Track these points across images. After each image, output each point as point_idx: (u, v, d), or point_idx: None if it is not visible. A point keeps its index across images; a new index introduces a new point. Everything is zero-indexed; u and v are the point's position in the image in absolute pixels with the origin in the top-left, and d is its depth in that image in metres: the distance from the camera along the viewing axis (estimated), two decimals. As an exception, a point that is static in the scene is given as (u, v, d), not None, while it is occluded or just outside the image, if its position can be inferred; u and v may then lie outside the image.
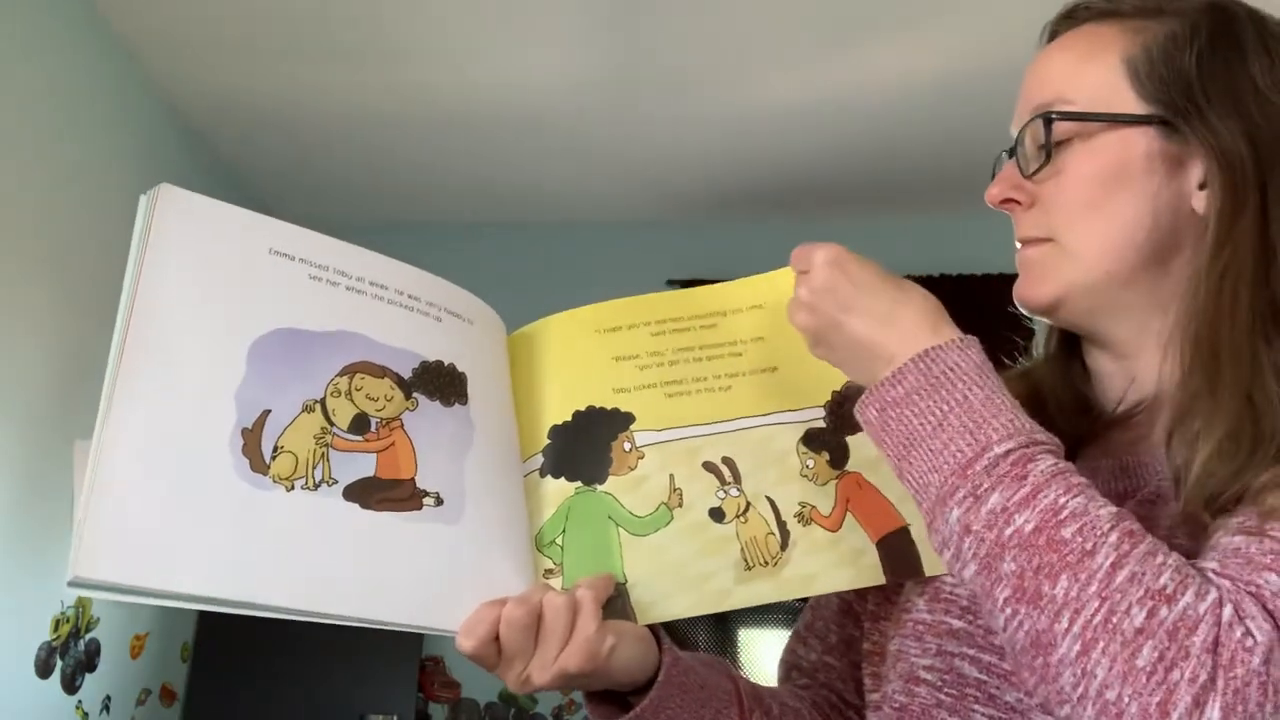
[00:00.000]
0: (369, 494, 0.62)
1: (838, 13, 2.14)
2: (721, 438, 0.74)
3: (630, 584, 0.69)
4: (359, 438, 0.63)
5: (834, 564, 0.71)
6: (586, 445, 0.73)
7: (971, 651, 0.66)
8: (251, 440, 0.58)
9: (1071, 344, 0.76)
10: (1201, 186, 0.65)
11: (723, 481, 0.73)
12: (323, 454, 0.61)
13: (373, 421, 0.64)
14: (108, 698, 2.37)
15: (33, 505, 2.04)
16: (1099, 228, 0.66)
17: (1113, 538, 0.52)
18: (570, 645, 0.62)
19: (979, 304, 1.06)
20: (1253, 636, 0.48)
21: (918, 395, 0.59)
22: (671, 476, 0.72)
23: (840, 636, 0.82)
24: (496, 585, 0.64)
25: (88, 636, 2.28)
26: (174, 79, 2.45)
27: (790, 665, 0.84)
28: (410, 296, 0.69)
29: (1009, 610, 0.53)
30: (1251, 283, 0.62)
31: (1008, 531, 0.53)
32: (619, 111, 2.58)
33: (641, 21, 2.19)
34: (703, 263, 3.09)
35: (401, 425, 0.65)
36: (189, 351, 0.58)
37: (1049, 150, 0.67)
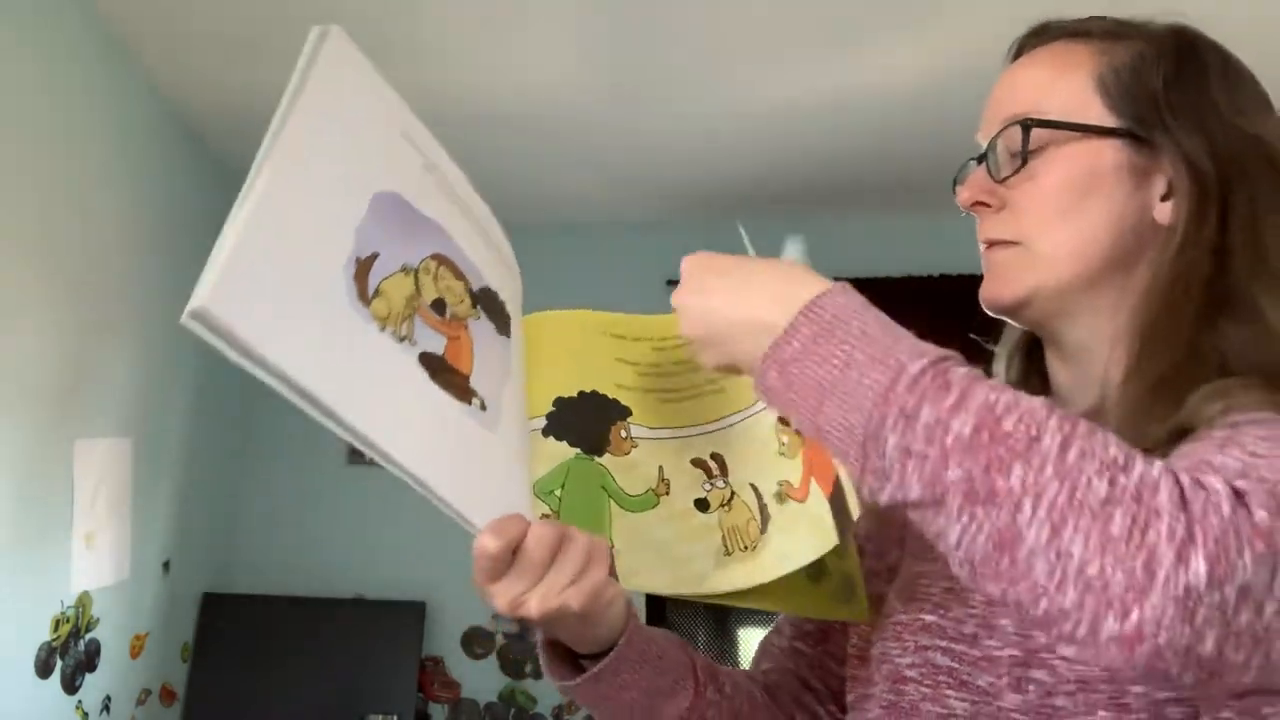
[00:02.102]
0: (436, 368, 0.63)
1: (837, 13, 2.14)
2: (710, 437, 0.77)
3: (616, 550, 0.72)
4: (439, 317, 0.64)
5: (803, 534, 0.72)
6: (588, 420, 0.76)
7: (943, 643, 0.68)
8: (361, 272, 0.59)
9: (1030, 358, 0.80)
10: (1164, 198, 0.69)
11: (709, 475, 0.75)
12: (409, 314, 0.62)
13: (448, 310, 0.65)
14: (108, 698, 2.37)
15: (33, 505, 2.05)
16: (1068, 232, 0.70)
17: (1052, 422, 0.51)
18: (580, 582, 0.63)
19: (979, 304, 1.06)
20: (1216, 489, 0.49)
21: (815, 344, 0.58)
22: (660, 468, 0.75)
23: (817, 625, 0.85)
24: (514, 502, 0.65)
25: (88, 636, 2.28)
26: (174, 79, 2.45)
27: (761, 651, 0.88)
28: (485, 224, 0.72)
29: (964, 519, 0.51)
30: (1204, 282, 0.66)
31: (948, 440, 0.52)
32: (618, 112, 2.58)
33: (641, 22, 2.20)
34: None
35: (466, 327, 0.66)
36: (328, 172, 0.59)
37: (1025, 156, 0.71)
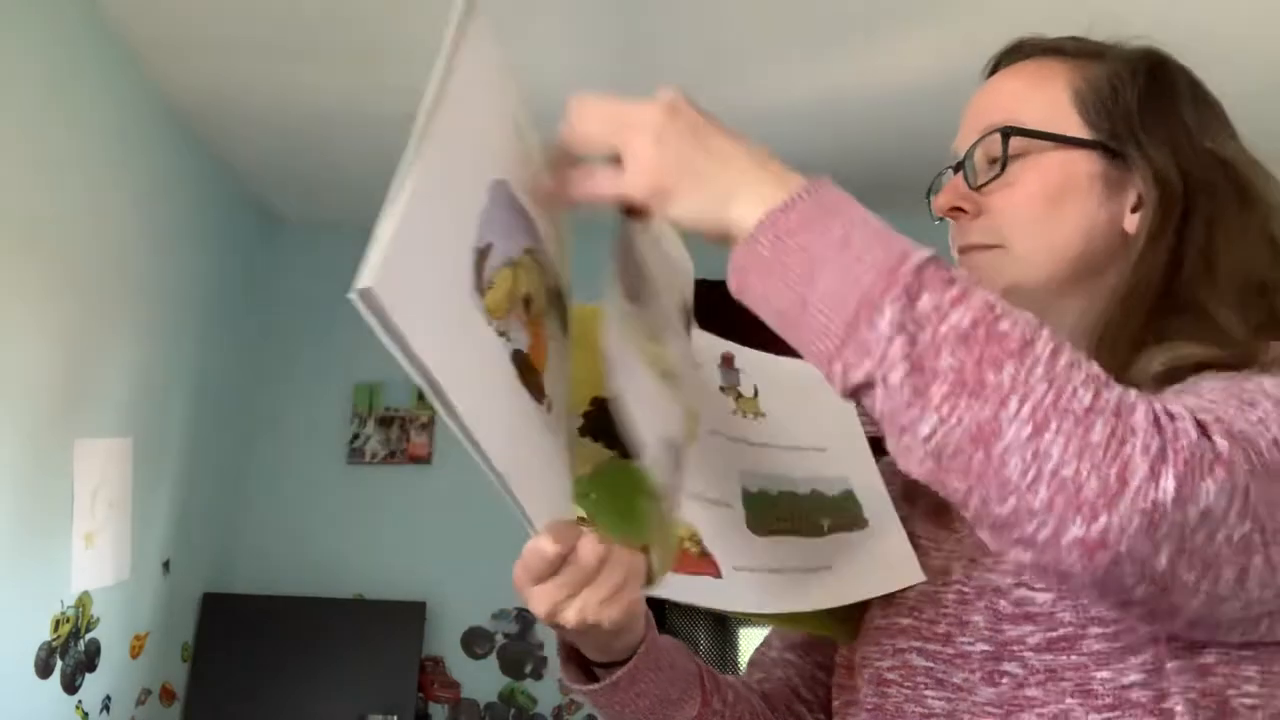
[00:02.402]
0: (524, 367, 0.61)
1: (837, 13, 2.14)
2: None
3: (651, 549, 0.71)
4: (526, 314, 0.62)
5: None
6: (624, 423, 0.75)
7: (918, 644, 0.70)
8: (479, 262, 0.58)
9: None
10: (1134, 209, 0.72)
11: None
12: (508, 309, 0.60)
13: (533, 307, 0.64)
14: (108, 698, 2.37)
15: (33, 505, 2.04)
16: (1045, 235, 0.73)
17: (1045, 332, 0.52)
18: (618, 598, 0.63)
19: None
20: (1183, 417, 0.51)
21: (815, 219, 0.56)
22: None
23: (804, 637, 0.87)
24: (562, 506, 0.65)
25: (88, 636, 2.28)
26: (174, 79, 2.45)
27: (752, 662, 0.91)
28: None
29: (945, 409, 0.51)
30: (1158, 289, 0.69)
31: (943, 329, 0.51)
32: (619, 111, 2.58)
33: (640, 22, 2.19)
34: (703, 263, 3.08)
35: (543, 326, 0.65)
36: (468, 155, 0.59)
37: (1004, 163, 0.73)
